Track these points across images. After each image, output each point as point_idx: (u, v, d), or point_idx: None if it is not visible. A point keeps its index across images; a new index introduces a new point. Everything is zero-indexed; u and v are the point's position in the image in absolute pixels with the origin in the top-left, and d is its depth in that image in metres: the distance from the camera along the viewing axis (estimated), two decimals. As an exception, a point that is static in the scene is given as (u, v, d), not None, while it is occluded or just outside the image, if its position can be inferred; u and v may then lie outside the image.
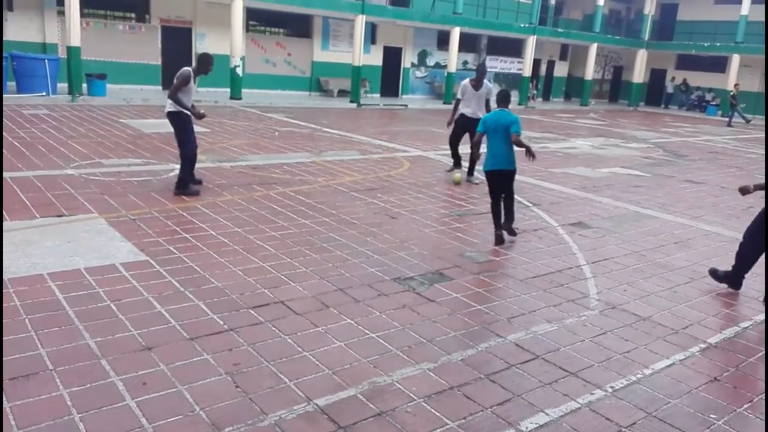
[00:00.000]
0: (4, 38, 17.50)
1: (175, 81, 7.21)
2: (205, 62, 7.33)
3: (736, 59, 29.05)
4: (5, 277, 4.55)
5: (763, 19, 25.45)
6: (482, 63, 9.59)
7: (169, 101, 7.27)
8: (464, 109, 9.55)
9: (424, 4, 25.19)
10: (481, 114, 9.19)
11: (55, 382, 3.28)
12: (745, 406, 3.64)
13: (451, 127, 9.81)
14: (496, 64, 30.14)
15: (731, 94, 25.79)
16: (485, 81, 9.46)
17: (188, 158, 7.39)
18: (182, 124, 7.35)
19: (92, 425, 2.95)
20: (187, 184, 7.47)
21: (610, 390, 3.69)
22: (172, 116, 7.34)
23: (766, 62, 24.96)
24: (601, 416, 3.40)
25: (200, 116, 7.35)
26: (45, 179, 7.55)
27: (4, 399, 3.10)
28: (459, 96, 9.62)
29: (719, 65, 31.54)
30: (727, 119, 26.47)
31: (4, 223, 5.75)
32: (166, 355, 3.64)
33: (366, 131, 15.04)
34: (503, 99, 6.69)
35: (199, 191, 7.51)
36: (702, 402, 3.65)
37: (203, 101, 18.35)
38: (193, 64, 7.65)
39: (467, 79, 9.66)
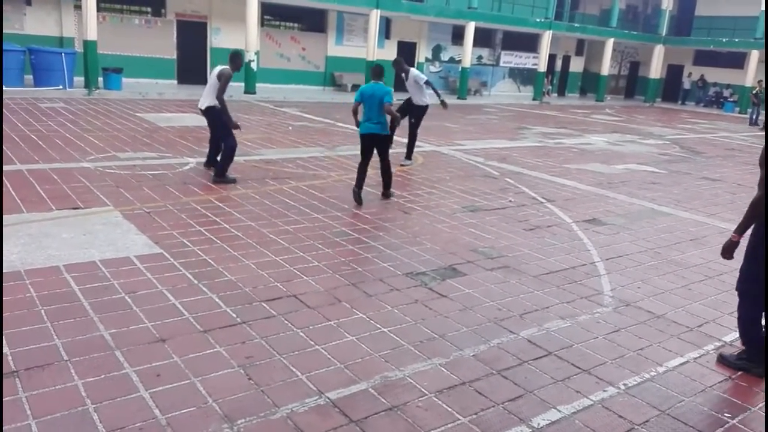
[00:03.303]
0: (22, 32, 17.69)
1: (218, 81, 7.50)
2: (238, 60, 7.73)
3: (755, 55, 28.65)
4: (22, 268, 4.61)
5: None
6: (396, 58, 10.31)
7: (209, 98, 7.63)
8: (409, 95, 10.14)
9: (439, -2, 25.10)
10: (420, 100, 9.96)
11: (69, 373, 3.32)
12: (760, 404, 3.60)
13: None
14: (511, 59, 29.99)
15: (754, 92, 25.12)
16: (410, 70, 9.98)
17: (230, 148, 7.70)
18: (219, 117, 7.67)
19: (106, 416, 2.98)
20: (225, 173, 7.78)
21: (623, 387, 3.66)
22: (210, 111, 7.68)
23: (766, 60, 24.56)
24: (613, 413, 3.38)
25: (236, 126, 7.77)
26: (61, 172, 7.62)
27: (19, 388, 3.14)
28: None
29: (738, 61, 31.14)
30: (748, 117, 25.60)
31: (21, 215, 5.82)
32: (180, 347, 3.67)
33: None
34: (377, 74, 7.45)
35: (236, 179, 7.84)
36: (716, 400, 3.62)
37: (218, 95, 18.40)
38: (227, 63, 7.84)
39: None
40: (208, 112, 7.73)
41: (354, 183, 7.45)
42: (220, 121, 7.72)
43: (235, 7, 20.35)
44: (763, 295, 3.83)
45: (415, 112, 10.00)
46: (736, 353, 4.10)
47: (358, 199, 7.30)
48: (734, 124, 24.60)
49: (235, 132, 7.77)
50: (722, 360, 4.08)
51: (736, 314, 4.82)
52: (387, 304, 4.55)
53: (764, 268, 3.76)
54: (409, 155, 10.16)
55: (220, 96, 7.51)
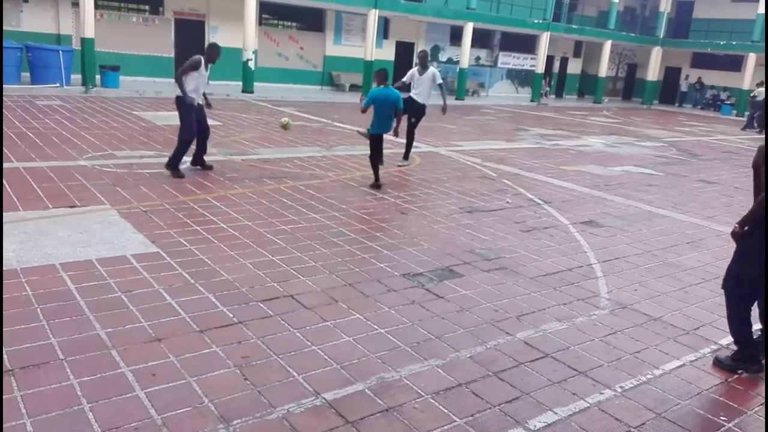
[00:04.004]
0: (19, 29, 17.64)
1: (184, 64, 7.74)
2: (212, 51, 7.78)
3: (752, 58, 28.71)
4: (18, 266, 4.59)
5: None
6: (423, 51, 10.37)
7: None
8: (413, 93, 10.08)
9: (438, -1, 25.12)
10: (426, 99, 10.00)
11: (65, 372, 3.30)
12: (756, 408, 3.61)
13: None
14: (509, 60, 30.01)
15: (752, 94, 25.08)
16: (430, 67, 10.06)
17: (183, 141, 7.73)
18: (182, 108, 7.71)
19: (102, 415, 2.97)
20: (176, 165, 7.77)
21: (619, 390, 3.67)
22: (176, 100, 7.82)
23: (766, 62, 24.60)
24: (610, 416, 3.39)
25: (191, 102, 7.71)
26: (58, 170, 7.60)
27: (15, 387, 3.13)
28: (406, 80, 10.23)
29: (735, 64, 31.23)
30: (746, 120, 25.38)
31: (18, 213, 5.80)
32: (176, 347, 3.66)
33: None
34: (385, 78, 7.98)
35: (184, 175, 7.75)
36: (712, 403, 3.63)
37: (215, 94, 18.37)
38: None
39: (415, 67, 10.27)
40: (176, 100, 7.82)
41: (373, 180, 8.18)
42: (181, 111, 7.74)
43: (233, 6, 20.32)
44: (748, 296, 3.87)
45: (417, 112, 9.98)
46: (731, 355, 4.10)
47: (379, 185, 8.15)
48: (731, 127, 24.65)
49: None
50: (718, 363, 4.08)
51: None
52: (384, 304, 4.54)
53: (754, 269, 3.76)
54: (406, 156, 10.16)
55: (178, 76, 7.63)
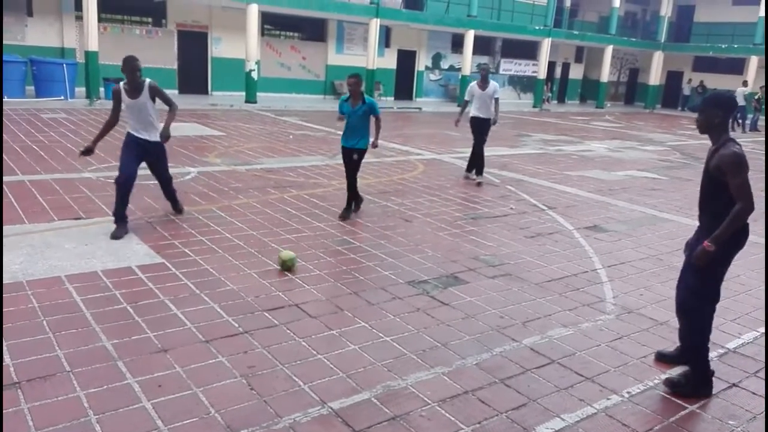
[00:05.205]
0: (24, 44, 17.77)
1: None
2: (123, 66, 5.81)
3: (754, 61, 28.70)
4: (24, 279, 4.60)
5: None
6: (485, 64, 10.00)
7: None
8: (474, 112, 9.70)
9: (439, 7, 25.21)
10: (488, 114, 9.54)
11: (72, 384, 3.31)
12: (763, 411, 3.59)
13: (460, 124, 9.98)
14: (511, 67, 30.07)
15: (756, 97, 25.12)
16: (491, 81, 9.66)
17: (116, 182, 5.98)
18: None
19: (109, 426, 2.97)
20: (116, 215, 5.89)
21: (626, 395, 3.65)
22: None
23: (766, 63, 24.53)
24: (617, 422, 3.37)
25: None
26: (63, 182, 7.63)
27: (21, 399, 3.14)
28: (467, 98, 9.81)
29: (737, 67, 31.20)
30: (749, 123, 25.34)
31: (24, 226, 5.82)
32: (182, 358, 3.66)
33: (380, 134, 15.01)
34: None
35: (121, 236, 5.72)
36: (720, 408, 3.61)
37: (219, 105, 18.48)
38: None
39: (474, 82, 9.86)
40: None
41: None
42: None
43: (236, 17, 20.44)
44: (711, 312, 3.69)
45: (485, 128, 9.65)
46: (684, 380, 3.75)
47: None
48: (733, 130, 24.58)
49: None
50: (675, 388, 3.73)
51: (737, 321, 4.82)
52: (389, 312, 4.54)
53: (717, 285, 3.60)
54: (480, 171, 9.78)
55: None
